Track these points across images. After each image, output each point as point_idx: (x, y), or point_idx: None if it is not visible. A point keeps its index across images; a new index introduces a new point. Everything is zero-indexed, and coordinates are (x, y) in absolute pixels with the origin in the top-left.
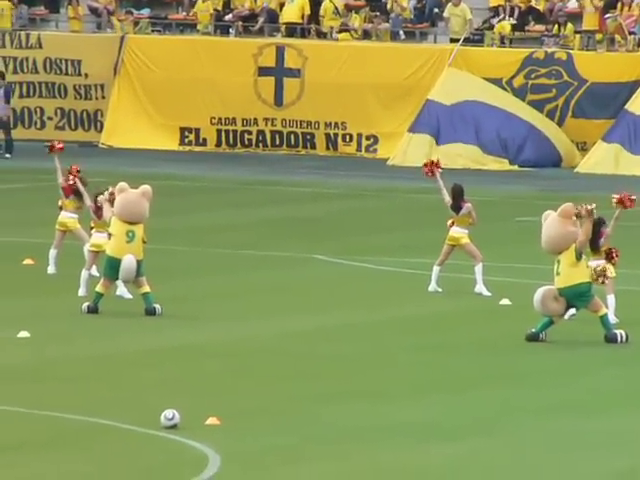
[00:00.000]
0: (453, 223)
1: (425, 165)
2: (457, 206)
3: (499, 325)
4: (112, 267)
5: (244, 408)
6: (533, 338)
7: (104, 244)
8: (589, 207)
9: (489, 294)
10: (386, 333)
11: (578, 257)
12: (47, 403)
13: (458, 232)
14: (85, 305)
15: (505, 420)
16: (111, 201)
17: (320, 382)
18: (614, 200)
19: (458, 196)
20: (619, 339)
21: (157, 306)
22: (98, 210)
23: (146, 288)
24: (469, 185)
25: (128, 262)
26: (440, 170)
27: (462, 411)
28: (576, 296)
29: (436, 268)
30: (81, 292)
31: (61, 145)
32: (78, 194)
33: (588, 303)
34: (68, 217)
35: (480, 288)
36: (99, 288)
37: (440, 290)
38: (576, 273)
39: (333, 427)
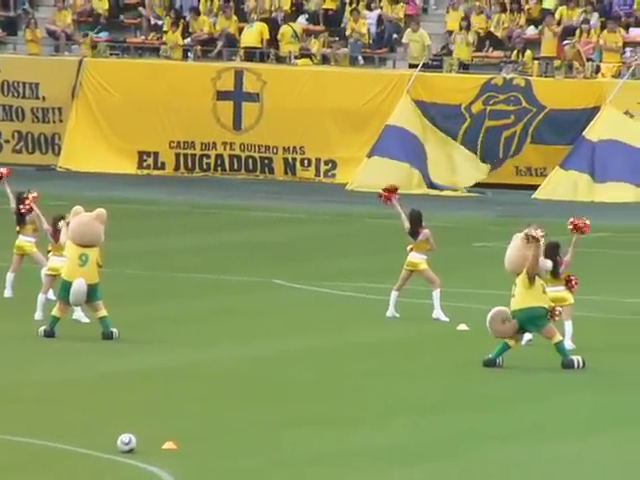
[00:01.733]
0: (412, 249)
1: (383, 190)
2: (415, 232)
3: (458, 350)
4: (65, 290)
5: (202, 432)
6: (490, 364)
7: (61, 268)
8: (535, 233)
9: (447, 319)
10: (346, 358)
11: (531, 281)
12: (5, 427)
13: (416, 258)
14: (42, 329)
15: (467, 445)
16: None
17: (280, 407)
18: (570, 226)
19: (416, 222)
20: (576, 365)
21: (114, 330)
22: (56, 233)
23: (103, 312)
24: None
25: (78, 285)
26: (397, 196)
27: (424, 436)
28: (529, 320)
29: (394, 293)
30: (37, 316)
31: (7, 170)
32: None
33: (542, 328)
34: (25, 241)
35: (438, 313)
36: (55, 312)
37: (398, 315)
38: (530, 296)
39: (294, 452)
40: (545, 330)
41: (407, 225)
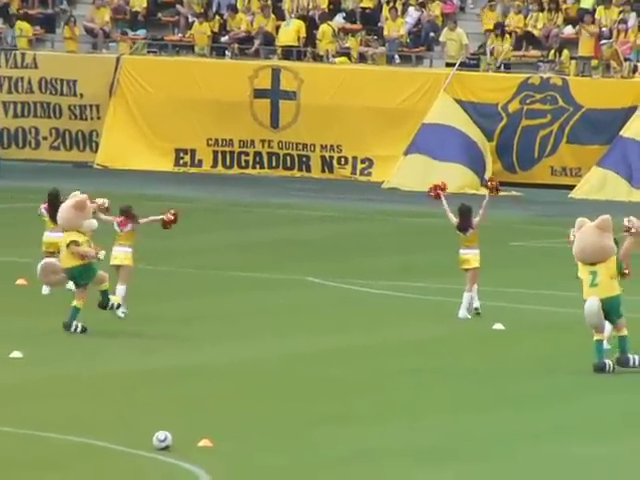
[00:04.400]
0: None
1: (431, 189)
2: (465, 226)
3: (493, 349)
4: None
5: (237, 430)
6: (600, 368)
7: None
8: (633, 224)
9: (469, 317)
10: (381, 356)
11: (619, 271)
12: (40, 423)
13: (468, 254)
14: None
15: (499, 444)
16: (102, 211)
17: (315, 404)
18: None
19: (466, 216)
20: (631, 363)
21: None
22: (124, 222)
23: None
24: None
25: None
26: (445, 193)
27: (457, 435)
28: (613, 308)
29: (470, 295)
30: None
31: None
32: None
33: (619, 318)
34: (56, 237)
35: (463, 313)
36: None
37: (469, 317)
38: (615, 285)
39: (327, 449)
40: (620, 320)
41: (455, 220)
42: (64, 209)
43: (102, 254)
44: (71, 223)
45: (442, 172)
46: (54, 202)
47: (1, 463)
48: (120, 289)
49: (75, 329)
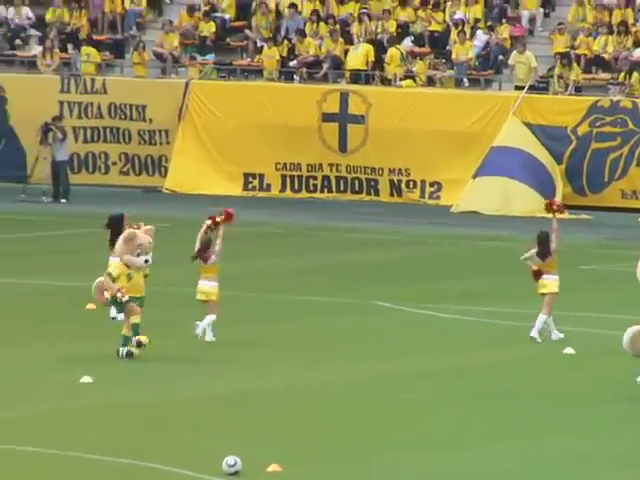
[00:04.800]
0: (539, 270)
1: (550, 205)
2: (544, 253)
3: (563, 374)
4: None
5: (305, 455)
6: None
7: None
8: None
9: (540, 341)
10: (449, 380)
11: None
12: (108, 448)
13: (549, 279)
14: (124, 350)
15: (570, 469)
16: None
17: (382, 429)
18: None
19: (544, 243)
20: None
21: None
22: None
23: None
24: (526, 233)
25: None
26: (562, 211)
27: (526, 460)
28: None
29: (544, 317)
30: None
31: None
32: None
33: None
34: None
35: (535, 334)
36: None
37: (539, 340)
38: None
39: (395, 475)
40: None
41: (533, 250)
42: (119, 238)
43: (126, 298)
44: (117, 253)
45: (514, 194)
46: (115, 227)
47: None
48: (207, 318)
49: (123, 354)
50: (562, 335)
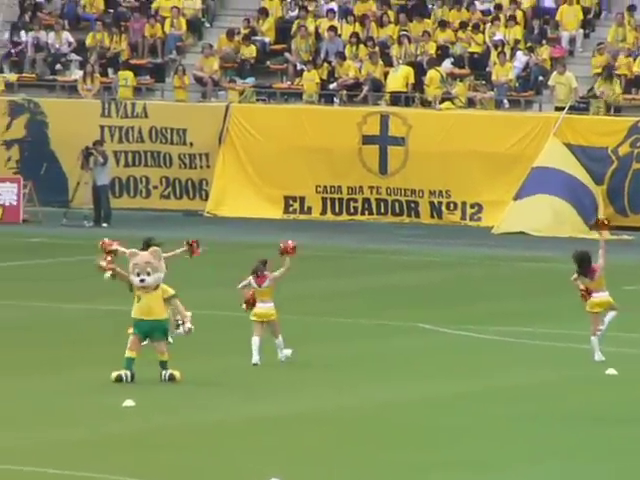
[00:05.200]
0: (587, 290)
1: (597, 224)
2: (585, 272)
3: (605, 395)
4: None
5: (349, 477)
6: None
7: (266, 314)
8: None
9: (603, 359)
10: (491, 402)
11: None
12: (151, 472)
13: (602, 297)
14: (121, 374)
15: None
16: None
17: (427, 452)
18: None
19: (585, 262)
20: None
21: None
22: (260, 278)
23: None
24: (567, 253)
25: None
26: (608, 230)
27: None
28: None
29: (598, 337)
30: (254, 360)
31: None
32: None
33: None
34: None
35: (599, 356)
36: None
37: (604, 359)
38: None
39: None
40: None
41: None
42: None
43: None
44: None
45: (557, 214)
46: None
47: None
48: (278, 342)
49: (126, 378)
50: (604, 358)
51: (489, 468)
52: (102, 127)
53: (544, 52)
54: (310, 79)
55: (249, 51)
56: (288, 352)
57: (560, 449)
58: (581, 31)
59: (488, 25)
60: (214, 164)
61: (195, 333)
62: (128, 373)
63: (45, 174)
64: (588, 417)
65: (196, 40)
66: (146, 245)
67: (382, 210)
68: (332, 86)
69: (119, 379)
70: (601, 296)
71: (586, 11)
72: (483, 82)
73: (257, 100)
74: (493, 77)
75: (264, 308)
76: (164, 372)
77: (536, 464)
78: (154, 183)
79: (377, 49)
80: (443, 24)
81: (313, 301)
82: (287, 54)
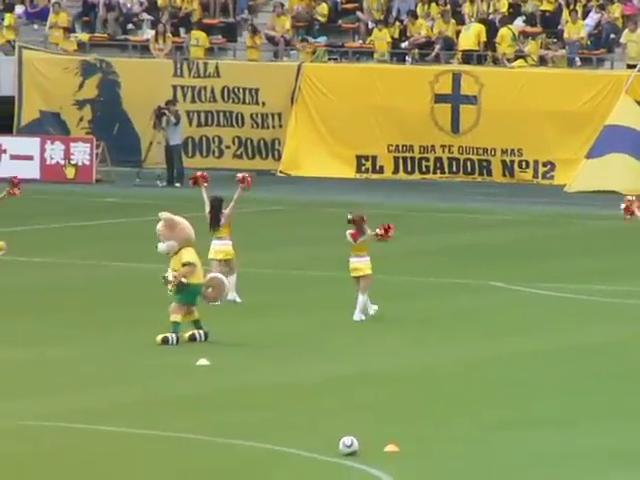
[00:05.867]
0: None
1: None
2: None
3: None
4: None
5: (423, 435)
6: None
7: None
8: None
9: None
10: (565, 360)
11: None
12: (226, 431)
13: None
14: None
15: None
16: None
17: (499, 409)
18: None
19: None
20: None
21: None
22: (357, 233)
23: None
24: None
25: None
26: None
27: (638, 439)
28: None
29: None
30: (356, 317)
31: (204, 174)
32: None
33: None
34: (223, 245)
35: None
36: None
37: None
38: None
39: (512, 454)
40: None
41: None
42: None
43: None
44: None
45: (631, 171)
46: (217, 210)
47: (189, 470)
48: (361, 299)
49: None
50: None
51: (561, 425)
52: (174, 87)
53: (616, 10)
54: (382, 38)
55: (321, 10)
56: (374, 307)
57: (632, 408)
58: None
59: None
60: (286, 124)
61: (263, 293)
62: (174, 336)
63: (118, 134)
64: None
65: None
66: (218, 202)
67: (454, 169)
68: (404, 45)
69: (165, 341)
70: None
71: None
72: (555, 40)
73: (329, 59)
74: (565, 35)
75: (360, 263)
76: (196, 332)
77: (607, 422)
78: (226, 143)
79: (449, 7)
80: None
81: (385, 260)
82: (359, 13)
